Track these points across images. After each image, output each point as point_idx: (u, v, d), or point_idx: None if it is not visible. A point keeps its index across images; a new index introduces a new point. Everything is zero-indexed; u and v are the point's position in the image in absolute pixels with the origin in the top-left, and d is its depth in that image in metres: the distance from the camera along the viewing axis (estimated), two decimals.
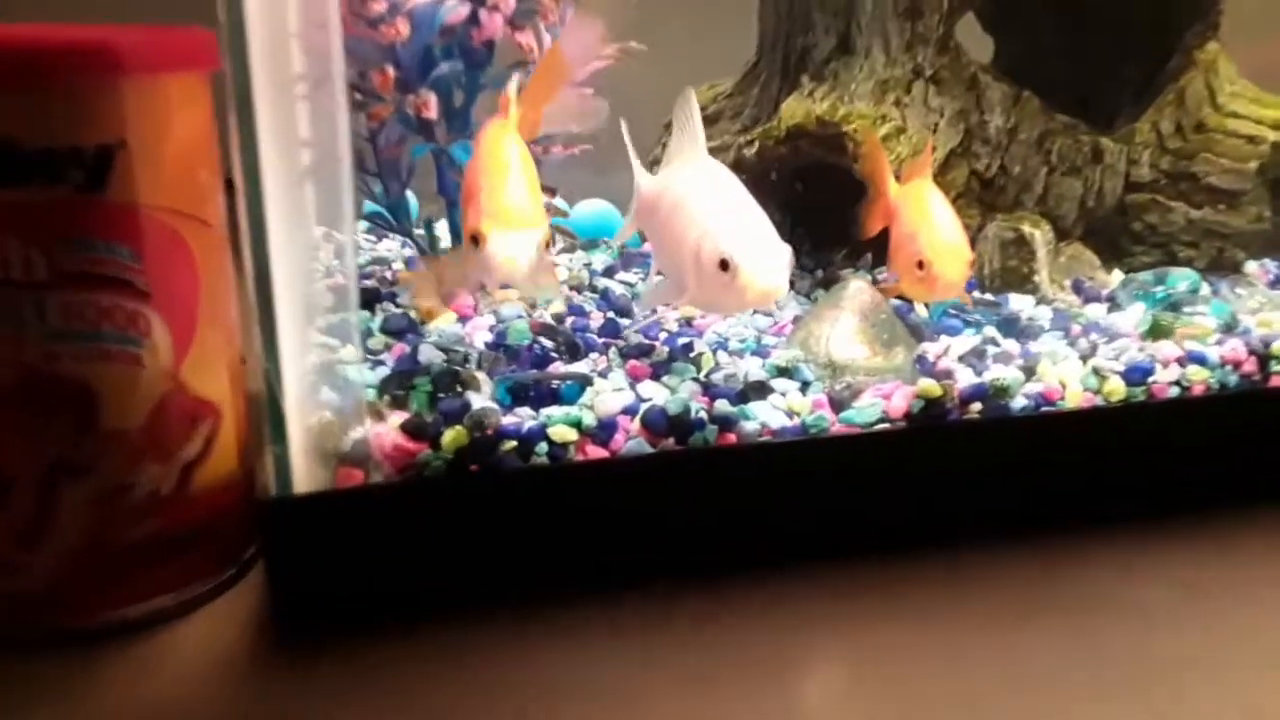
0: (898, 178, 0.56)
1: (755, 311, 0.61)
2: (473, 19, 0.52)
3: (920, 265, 0.52)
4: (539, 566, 0.45)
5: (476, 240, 0.43)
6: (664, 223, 0.49)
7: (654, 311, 0.60)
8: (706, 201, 0.47)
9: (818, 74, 0.64)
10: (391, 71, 0.50)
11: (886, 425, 0.49)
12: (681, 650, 0.41)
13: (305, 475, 0.42)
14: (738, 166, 0.62)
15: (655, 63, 0.62)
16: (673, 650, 0.41)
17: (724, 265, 0.44)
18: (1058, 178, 0.64)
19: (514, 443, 0.45)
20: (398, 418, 0.44)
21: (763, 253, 0.45)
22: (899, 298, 0.57)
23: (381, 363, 0.50)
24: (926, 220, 0.53)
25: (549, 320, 0.56)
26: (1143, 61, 0.68)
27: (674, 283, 0.49)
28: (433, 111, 0.51)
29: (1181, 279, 0.62)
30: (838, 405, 0.49)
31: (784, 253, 0.45)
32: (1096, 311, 0.61)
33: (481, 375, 0.49)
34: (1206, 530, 0.50)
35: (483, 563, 0.45)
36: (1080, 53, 0.70)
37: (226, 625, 0.43)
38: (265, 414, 0.41)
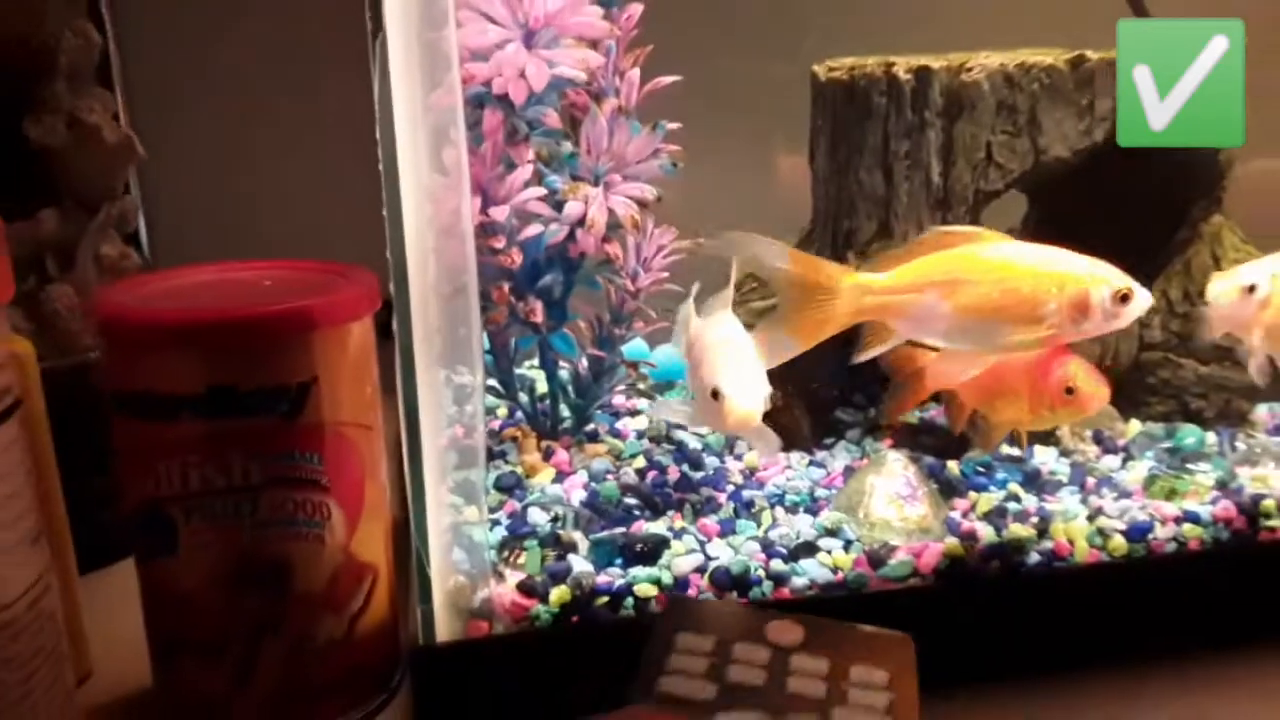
0: None
1: (810, 463, 0.71)
2: (570, 237, 0.64)
3: (1070, 391, 0.62)
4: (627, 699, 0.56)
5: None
6: (693, 359, 0.62)
7: (721, 462, 0.71)
8: (716, 347, 0.60)
9: (861, 252, 0.74)
10: (506, 287, 0.63)
11: (917, 580, 0.58)
12: None
13: (445, 627, 0.54)
14: None
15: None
16: None
17: (715, 394, 0.56)
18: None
19: (606, 598, 0.55)
20: (514, 578, 0.56)
21: (743, 389, 0.57)
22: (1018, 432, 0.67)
23: (498, 522, 0.62)
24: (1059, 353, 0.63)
25: (633, 478, 0.67)
26: (1154, 234, 0.76)
27: (689, 406, 0.62)
28: (539, 316, 0.64)
29: (1189, 434, 0.70)
30: (875, 562, 0.59)
31: (760, 390, 0.57)
32: (1112, 463, 0.69)
33: (578, 535, 0.60)
34: (1200, 669, 0.58)
35: (582, 697, 0.55)
36: (1099, 223, 0.79)
37: None
38: (414, 577, 0.53)
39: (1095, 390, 0.62)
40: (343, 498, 0.53)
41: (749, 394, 0.56)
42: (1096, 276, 0.56)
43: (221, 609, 0.52)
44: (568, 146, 0.62)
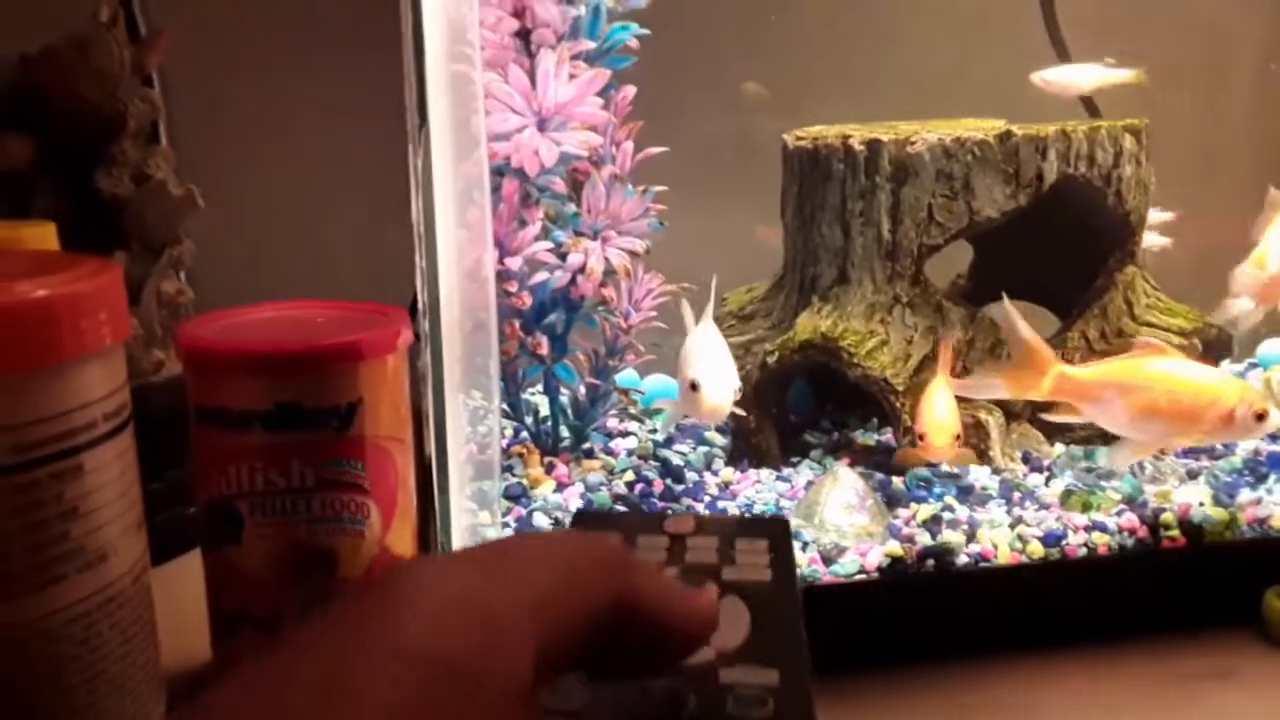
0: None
1: (777, 478, 0.82)
2: (571, 282, 0.75)
3: (921, 437, 0.74)
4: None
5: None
6: (681, 358, 0.75)
7: (700, 477, 0.81)
8: (696, 348, 0.74)
9: (824, 296, 0.85)
10: (517, 324, 0.73)
11: (863, 575, 0.69)
12: None
13: None
14: (764, 368, 0.84)
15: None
16: None
17: (693, 386, 0.69)
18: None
19: None
20: None
21: (716, 383, 0.70)
22: (904, 461, 0.79)
23: (507, 524, 0.72)
24: (926, 402, 0.75)
25: (623, 489, 0.78)
26: (1077, 282, 0.88)
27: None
28: (544, 349, 0.74)
29: (1102, 455, 0.81)
30: (828, 560, 0.69)
31: (730, 385, 0.70)
32: (1036, 480, 0.80)
33: None
34: (1100, 654, 0.68)
35: None
36: (1031, 271, 0.91)
37: None
38: None
39: (934, 439, 0.73)
40: (380, 499, 0.63)
41: (720, 388, 0.68)
42: (1244, 399, 0.70)
43: (278, 590, 0.62)
44: (571, 207, 0.73)
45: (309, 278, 0.82)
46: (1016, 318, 0.74)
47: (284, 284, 0.73)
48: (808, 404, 0.97)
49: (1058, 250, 0.89)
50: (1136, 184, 0.84)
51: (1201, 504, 0.74)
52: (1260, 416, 0.70)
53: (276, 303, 0.70)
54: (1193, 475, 0.80)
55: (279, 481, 0.61)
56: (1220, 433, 0.71)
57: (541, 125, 0.69)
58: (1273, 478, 0.79)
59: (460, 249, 0.64)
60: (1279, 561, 0.72)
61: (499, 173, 0.70)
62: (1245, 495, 0.76)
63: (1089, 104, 0.99)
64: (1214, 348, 0.85)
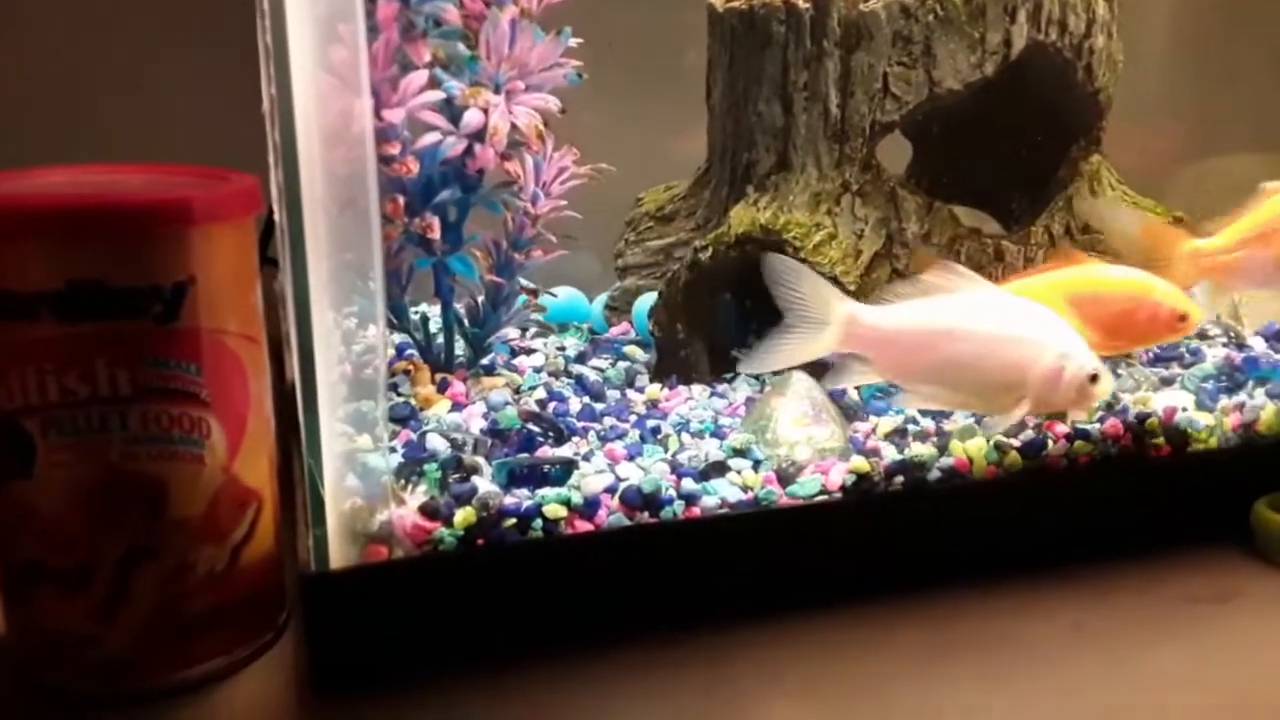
0: None
1: (711, 394, 0.70)
2: (468, 151, 0.61)
3: (1183, 319, 0.66)
4: (537, 625, 0.53)
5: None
6: (951, 348, 0.59)
7: (623, 395, 0.69)
8: (1047, 327, 0.59)
9: (761, 185, 0.74)
10: (401, 200, 0.59)
11: (825, 496, 0.58)
12: (663, 683, 0.50)
13: (339, 553, 0.50)
14: (695, 268, 0.72)
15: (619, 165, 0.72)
16: (656, 685, 0.50)
17: (1093, 379, 0.58)
18: None
19: (514, 520, 0.53)
20: (416, 500, 0.52)
21: (1100, 363, 0.59)
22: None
23: (393, 449, 0.58)
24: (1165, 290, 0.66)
25: (534, 407, 0.65)
26: (1037, 171, 0.79)
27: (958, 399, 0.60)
28: (436, 233, 0.60)
29: None
30: (784, 480, 0.58)
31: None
32: None
33: (481, 460, 0.57)
34: (1089, 578, 0.60)
35: (489, 623, 0.53)
36: (985, 161, 0.81)
37: (268, 683, 0.51)
38: (307, 501, 0.49)
39: (1197, 318, 0.66)
40: (224, 414, 0.49)
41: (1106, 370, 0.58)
42: None
43: (86, 535, 0.47)
44: (465, 50, 0.59)
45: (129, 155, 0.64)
46: (1124, 209, 0.69)
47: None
48: (733, 323, 0.86)
49: (1015, 135, 0.79)
50: (1107, 59, 0.75)
51: (1185, 409, 0.67)
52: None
53: (76, 166, 0.54)
54: (1166, 383, 0.72)
55: (80, 389, 0.45)
56: None
57: None
58: (1251, 383, 0.72)
59: (322, 99, 0.49)
60: (1265, 469, 0.65)
61: None
62: (1224, 401, 0.69)
63: None
64: None
